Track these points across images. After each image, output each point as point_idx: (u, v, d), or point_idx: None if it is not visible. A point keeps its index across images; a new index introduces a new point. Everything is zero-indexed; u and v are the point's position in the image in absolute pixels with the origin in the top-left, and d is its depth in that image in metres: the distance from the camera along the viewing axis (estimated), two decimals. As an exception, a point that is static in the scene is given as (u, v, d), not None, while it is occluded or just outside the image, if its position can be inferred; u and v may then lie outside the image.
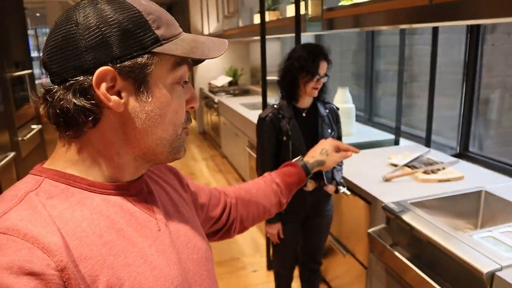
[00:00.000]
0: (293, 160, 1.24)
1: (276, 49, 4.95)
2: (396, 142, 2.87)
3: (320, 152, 1.28)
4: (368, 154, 2.58)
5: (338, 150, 1.30)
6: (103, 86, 0.61)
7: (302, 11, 2.49)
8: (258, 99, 5.31)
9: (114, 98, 0.62)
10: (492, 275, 1.30)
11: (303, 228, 2.14)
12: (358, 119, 3.63)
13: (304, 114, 2.00)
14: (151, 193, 0.75)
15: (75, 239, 0.58)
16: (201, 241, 0.80)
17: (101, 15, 0.60)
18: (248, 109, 4.53)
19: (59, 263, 0.53)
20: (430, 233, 1.54)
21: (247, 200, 1.10)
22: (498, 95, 2.75)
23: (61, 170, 0.65)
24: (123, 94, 0.63)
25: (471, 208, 1.94)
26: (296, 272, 2.31)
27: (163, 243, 0.69)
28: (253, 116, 3.92)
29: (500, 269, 1.31)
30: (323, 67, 1.89)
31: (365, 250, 2.06)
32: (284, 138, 1.96)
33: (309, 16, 2.48)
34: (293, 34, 2.47)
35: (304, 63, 1.88)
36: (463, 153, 2.72)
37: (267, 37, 2.85)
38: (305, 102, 2.00)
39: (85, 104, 0.61)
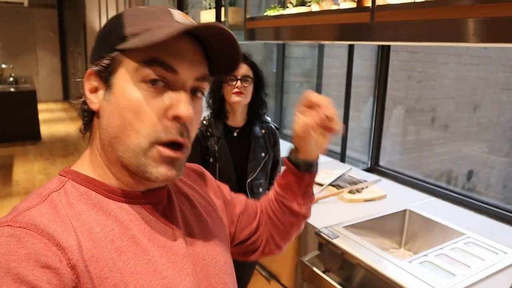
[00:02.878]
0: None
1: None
2: (313, 157, 2.83)
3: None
4: (288, 171, 2.49)
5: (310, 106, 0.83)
6: (87, 86, 0.66)
7: (221, 19, 2.33)
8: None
9: (89, 95, 0.66)
10: (439, 306, 1.26)
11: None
12: (270, 131, 3.57)
13: (235, 134, 1.81)
14: (171, 202, 0.74)
15: (89, 240, 0.59)
16: (220, 253, 0.77)
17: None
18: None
19: (70, 260, 0.55)
20: (372, 263, 1.47)
21: (269, 215, 0.98)
22: (391, 108, 2.88)
23: (83, 173, 0.67)
24: (98, 93, 0.65)
25: (396, 227, 1.94)
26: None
27: (176, 253, 0.68)
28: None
29: (446, 300, 1.27)
30: (239, 67, 1.74)
31: (292, 274, 1.96)
32: (211, 160, 1.76)
33: (229, 24, 2.33)
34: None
35: None
36: (373, 168, 2.79)
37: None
38: (237, 120, 1.81)
39: (83, 104, 0.67)
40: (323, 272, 1.67)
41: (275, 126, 1.92)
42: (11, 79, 7.09)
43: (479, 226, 1.79)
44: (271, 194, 0.98)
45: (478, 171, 3.46)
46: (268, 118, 1.91)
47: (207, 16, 2.73)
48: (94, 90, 0.66)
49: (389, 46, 2.70)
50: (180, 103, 0.62)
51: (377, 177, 2.34)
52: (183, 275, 0.67)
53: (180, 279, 0.66)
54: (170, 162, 0.64)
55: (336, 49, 3.29)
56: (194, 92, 0.66)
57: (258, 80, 1.79)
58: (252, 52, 1.84)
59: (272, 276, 2.10)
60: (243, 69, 1.74)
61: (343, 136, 2.79)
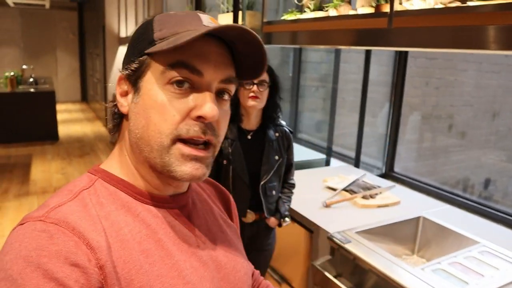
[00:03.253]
0: None
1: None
2: (327, 163, 2.83)
3: None
4: (302, 176, 2.49)
5: None
6: (118, 90, 0.68)
7: (238, 22, 2.35)
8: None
9: (120, 98, 0.68)
10: (452, 315, 1.25)
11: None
12: (284, 135, 3.57)
13: (249, 137, 1.82)
14: (196, 209, 0.76)
15: (118, 241, 0.60)
16: (240, 263, 0.79)
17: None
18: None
19: (99, 261, 0.56)
20: (385, 269, 1.46)
21: None
22: (407, 114, 2.87)
23: (113, 173, 0.68)
24: (128, 97, 0.67)
25: (409, 234, 1.93)
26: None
27: (199, 259, 0.69)
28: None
29: (459, 308, 1.26)
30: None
31: (304, 279, 1.95)
32: (224, 162, 1.77)
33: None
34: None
35: None
36: (388, 173, 2.77)
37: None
38: (251, 123, 1.82)
39: (114, 107, 0.69)
40: (335, 277, 1.67)
41: (289, 130, 1.91)
42: (31, 79, 7.21)
43: (494, 235, 1.77)
44: None
45: (495, 180, 3.41)
46: (283, 122, 1.91)
47: (225, 20, 2.75)
48: (125, 94, 0.68)
49: (406, 52, 2.69)
50: (204, 103, 0.62)
51: (391, 183, 2.33)
52: (205, 282, 0.68)
53: (202, 285, 0.67)
54: (195, 159, 0.64)
55: (353, 54, 3.28)
56: (220, 94, 0.67)
57: (274, 85, 1.80)
58: (269, 56, 1.84)
59: (283, 279, 2.10)
60: None
61: (358, 142, 2.78)
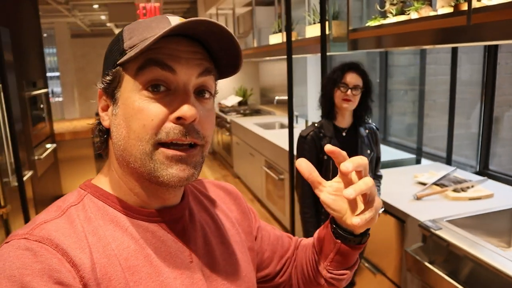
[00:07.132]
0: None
1: (284, 70, 5.00)
2: (418, 161, 2.88)
3: None
4: (393, 173, 2.58)
5: None
6: (99, 104, 0.67)
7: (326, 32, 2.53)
8: (270, 119, 5.30)
9: (101, 113, 0.67)
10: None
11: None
12: (374, 138, 3.64)
13: (344, 134, 2.01)
14: (193, 221, 0.73)
15: (104, 257, 0.59)
16: (241, 279, 0.74)
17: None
18: (262, 128, 4.52)
19: (82, 278, 0.55)
20: (477, 252, 1.53)
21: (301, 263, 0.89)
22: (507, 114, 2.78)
23: (102, 188, 0.67)
24: (109, 110, 0.66)
25: (503, 226, 1.94)
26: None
27: (191, 276, 0.66)
28: (270, 135, 3.92)
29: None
30: (351, 77, 1.91)
31: (397, 268, 2.05)
32: (325, 157, 1.97)
33: (333, 36, 2.52)
34: (308, 55, 2.49)
35: (332, 74, 1.94)
36: (483, 171, 2.73)
37: (276, 57, 2.85)
38: (345, 121, 2.01)
39: (99, 124, 0.68)
40: (429, 263, 1.75)
41: (375, 127, 2.10)
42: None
43: None
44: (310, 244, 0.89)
45: None
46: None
47: (312, 31, 2.96)
48: (106, 108, 0.66)
49: (496, 48, 2.67)
50: (182, 104, 0.60)
51: (483, 177, 2.33)
52: None
53: None
54: (180, 160, 0.61)
55: (442, 54, 3.27)
56: (200, 93, 0.64)
57: (366, 88, 1.97)
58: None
59: (378, 270, 2.21)
60: (354, 79, 1.92)
61: (449, 139, 2.79)
